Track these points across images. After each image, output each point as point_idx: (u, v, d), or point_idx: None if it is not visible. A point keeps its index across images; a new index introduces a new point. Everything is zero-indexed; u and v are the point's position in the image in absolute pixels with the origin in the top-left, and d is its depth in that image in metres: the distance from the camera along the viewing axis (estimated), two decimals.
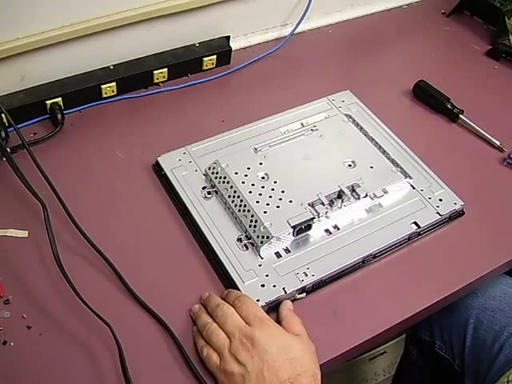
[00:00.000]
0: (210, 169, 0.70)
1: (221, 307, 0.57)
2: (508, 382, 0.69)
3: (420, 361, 0.92)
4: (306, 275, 0.62)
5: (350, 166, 0.72)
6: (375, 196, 0.69)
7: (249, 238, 0.64)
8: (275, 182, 0.69)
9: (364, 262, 0.66)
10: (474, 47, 0.99)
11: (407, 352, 0.96)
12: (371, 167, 0.72)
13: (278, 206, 0.66)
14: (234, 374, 0.53)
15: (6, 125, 0.71)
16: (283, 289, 0.61)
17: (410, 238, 0.69)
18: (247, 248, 0.64)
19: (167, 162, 0.72)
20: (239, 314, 0.57)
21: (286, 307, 0.60)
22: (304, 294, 0.62)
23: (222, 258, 0.63)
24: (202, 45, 0.87)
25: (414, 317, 0.63)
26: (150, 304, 0.59)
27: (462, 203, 0.71)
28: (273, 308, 0.61)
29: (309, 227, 0.66)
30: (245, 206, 0.66)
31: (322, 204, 0.67)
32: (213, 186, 0.69)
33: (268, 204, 0.66)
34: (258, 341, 0.53)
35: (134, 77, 0.81)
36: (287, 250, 0.64)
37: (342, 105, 0.82)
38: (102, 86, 0.79)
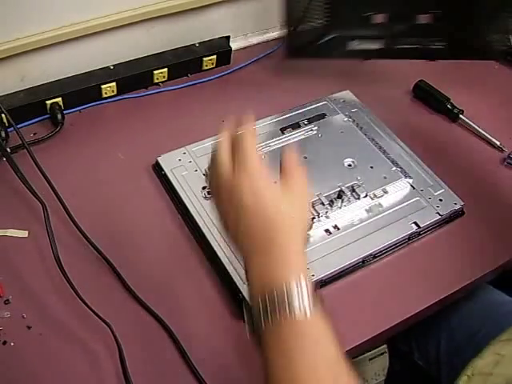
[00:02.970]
0: (210, 169, 0.70)
1: (216, 141, 0.52)
2: (469, 376, 0.68)
3: (403, 372, 0.91)
4: None
5: (349, 166, 0.72)
6: (375, 196, 0.69)
7: None
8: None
9: (364, 262, 0.66)
10: None
11: (391, 364, 0.95)
12: (371, 167, 0.72)
13: None
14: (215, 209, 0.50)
15: (6, 125, 0.71)
16: None
17: (409, 238, 0.69)
18: None
19: (167, 161, 0.72)
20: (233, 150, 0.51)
21: (289, 153, 0.52)
22: None
23: (221, 258, 0.63)
24: (202, 45, 0.87)
25: (413, 317, 0.63)
26: (150, 304, 0.59)
27: (462, 203, 0.71)
28: None
29: (309, 227, 0.66)
30: None
31: (322, 204, 0.67)
32: None
33: None
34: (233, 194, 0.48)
35: (134, 77, 0.81)
36: None
37: (341, 105, 0.82)
38: (102, 86, 0.79)
